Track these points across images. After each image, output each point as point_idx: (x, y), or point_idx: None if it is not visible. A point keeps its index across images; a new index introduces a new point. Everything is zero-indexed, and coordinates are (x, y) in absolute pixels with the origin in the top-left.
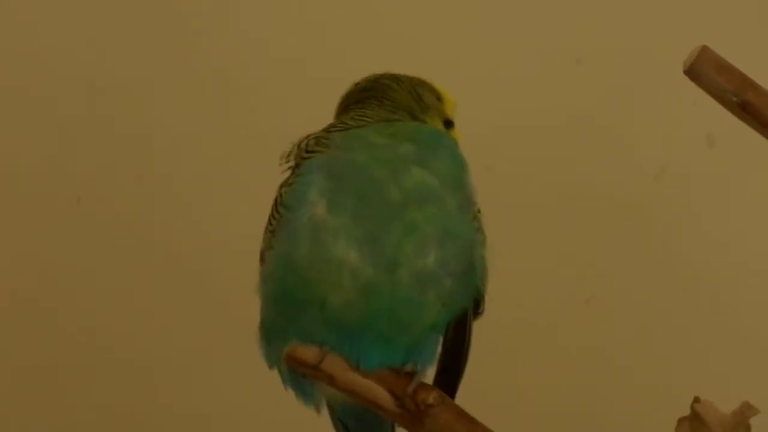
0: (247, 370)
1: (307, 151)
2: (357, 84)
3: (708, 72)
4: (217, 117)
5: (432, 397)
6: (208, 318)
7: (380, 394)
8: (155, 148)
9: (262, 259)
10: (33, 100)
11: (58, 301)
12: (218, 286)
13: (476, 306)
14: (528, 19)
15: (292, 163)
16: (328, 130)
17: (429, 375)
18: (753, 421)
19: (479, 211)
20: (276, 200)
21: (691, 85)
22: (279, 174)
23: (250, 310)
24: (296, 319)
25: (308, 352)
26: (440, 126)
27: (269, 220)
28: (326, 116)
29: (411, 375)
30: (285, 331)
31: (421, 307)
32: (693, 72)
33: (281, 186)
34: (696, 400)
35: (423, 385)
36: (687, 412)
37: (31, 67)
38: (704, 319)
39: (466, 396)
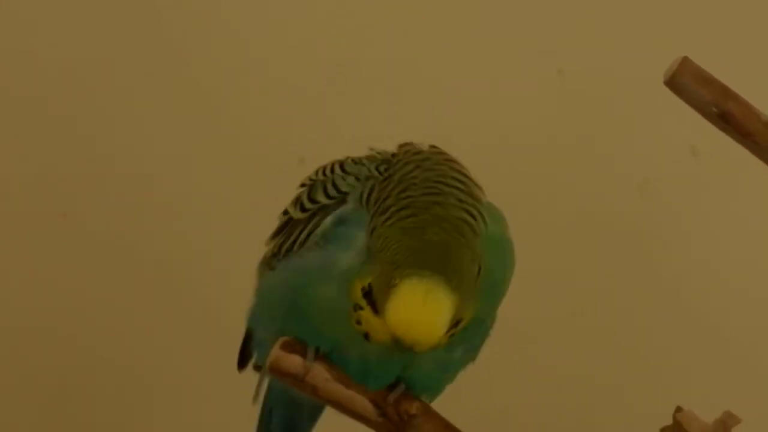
0: (236, 380)
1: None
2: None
3: (688, 83)
4: (206, 128)
5: (415, 407)
6: (197, 330)
7: (363, 404)
8: (143, 162)
9: (270, 265)
10: (17, 113)
11: (45, 316)
12: (207, 299)
13: None
14: (509, 30)
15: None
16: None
17: None
18: (735, 430)
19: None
20: (312, 219)
21: (674, 96)
22: (267, 183)
23: (240, 321)
24: (300, 331)
25: (293, 363)
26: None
27: (298, 228)
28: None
29: (393, 385)
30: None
31: (439, 381)
32: (673, 83)
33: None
34: (678, 409)
35: (405, 395)
36: (670, 422)
37: (14, 78)
38: (689, 329)
39: (449, 407)
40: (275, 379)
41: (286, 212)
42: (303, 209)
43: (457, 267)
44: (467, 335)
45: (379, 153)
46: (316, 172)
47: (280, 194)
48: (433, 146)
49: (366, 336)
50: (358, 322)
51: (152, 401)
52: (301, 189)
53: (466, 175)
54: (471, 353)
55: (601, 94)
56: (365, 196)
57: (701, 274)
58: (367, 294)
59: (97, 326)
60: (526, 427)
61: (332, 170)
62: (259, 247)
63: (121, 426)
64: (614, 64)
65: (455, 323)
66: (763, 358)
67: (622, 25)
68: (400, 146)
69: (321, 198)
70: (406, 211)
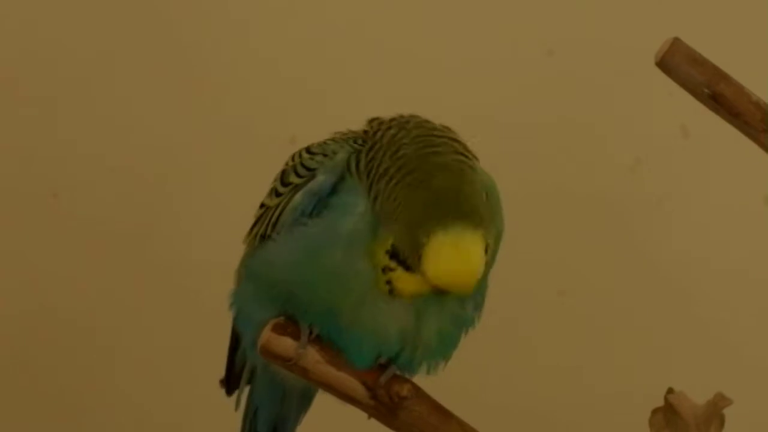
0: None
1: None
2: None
3: (679, 64)
4: (196, 108)
5: (406, 389)
6: (189, 313)
7: (354, 386)
8: (133, 144)
9: (264, 237)
10: (6, 92)
11: (35, 298)
12: (199, 282)
13: None
14: (499, 10)
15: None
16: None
17: None
18: (726, 411)
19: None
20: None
21: (665, 77)
22: (257, 162)
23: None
24: (296, 306)
25: (284, 346)
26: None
27: (271, 211)
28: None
29: (384, 367)
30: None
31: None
32: (664, 64)
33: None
34: (669, 391)
35: (396, 378)
36: (661, 403)
37: (5, 58)
38: (679, 310)
39: (439, 388)
40: (260, 377)
41: (262, 205)
42: (277, 194)
43: (472, 204)
44: (479, 284)
45: (344, 133)
46: (286, 163)
47: (272, 174)
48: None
49: (392, 293)
50: (389, 283)
51: (142, 384)
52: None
53: (448, 128)
54: (478, 310)
55: (591, 75)
56: (353, 166)
57: (691, 254)
58: (394, 255)
59: (87, 308)
60: (514, 406)
61: (300, 155)
62: (250, 224)
63: (111, 414)
64: (605, 45)
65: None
66: (753, 339)
67: (613, 5)
68: (370, 121)
69: (293, 179)
70: (407, 168)
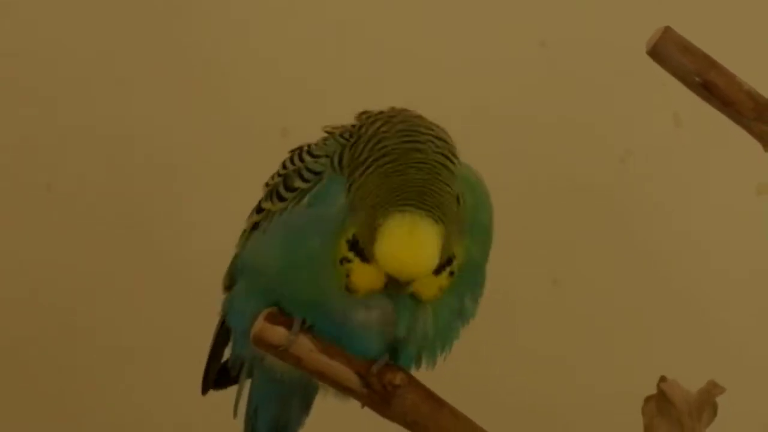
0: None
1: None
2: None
3: (671, 52)
4: (188, 100)
5: (399, 377)
6: (185, 304)
7: (347, 375)
8: (127, 134)
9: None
10: (2, 84)
11: (28, 289)
12: (193, 271)
13: None
14: (491, 2)
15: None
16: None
17: None
18: (719, 400)
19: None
20: (299, 170)
21: (657, 66)
22: (249, 154)
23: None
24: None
25: (277, 334)
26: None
27: (291, 173)
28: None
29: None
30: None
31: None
32: (656, 53)
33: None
34: (662, 379)
35: (389, 366)
36: (653, 391)
37: (1, 51)
38: (672, 299)
39: (432, 377)
40: (257, 377)
41: (261, 210)
42: (281, 199)
43: (437, 201)
44: (469, 278)
45: (335, 128)
46: (284, 166)
47: (263, 165)
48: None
49: (348, 288)
50: (348, 276)
51: (137, 374)
52: (269, 186)
53: (437, 126)
54: (476, 302)
55: (583, 65)
56: (336, 161)
57: (683, 243)
58: (354, 244)
59: (81, 298)
60: (508, 395)
61: (300, 158)
62: (242, 217)
63: (105, 404)
64: (596, 35)
65: (448, 260)
66: (746, 327)
67: None
68: (359, 115)
69: (299, 184)
70: (385, 158)
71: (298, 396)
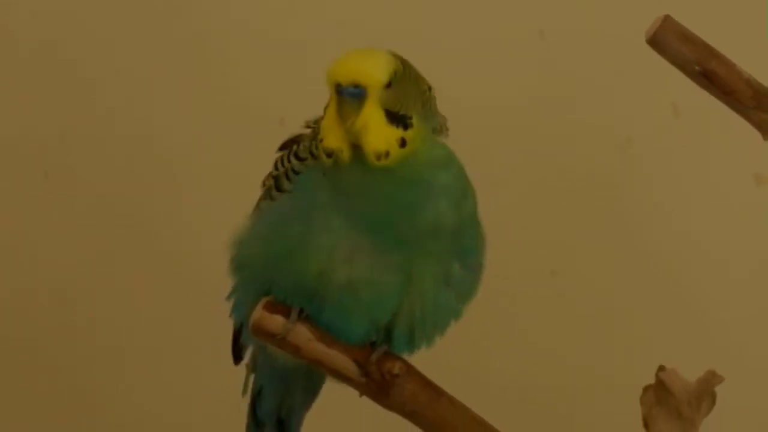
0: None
1: None
2: None
3: (670, 41)
4: (186, 89)
5: (397, 366)
6: (181, 294)
7: (346, 364)
8: (124, 122)
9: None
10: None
11: (25, 277)
12: (192, 262)
13: None
14: None
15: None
16: None
17: None
18: (718, 389)
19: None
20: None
21: (656, 55)
22: (247, 144)
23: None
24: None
25: (274, 323)
26: None
27: (281, 175)
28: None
29: (375, 344)
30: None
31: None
32: (655, 41)
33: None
34: (661, 368)
35: (388, 355)
36: (652, 380)
37: None
38: (670, 289)
39: (430, 366)
40: (261, 365)
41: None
42: (273, 200)
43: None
44: (451, 241)
45: (315, 122)
46: (276, 167)
47: (260, 156)
48: None
49: (329, 155)
50: (321, 141)
51: (132, 365)
52: (266, 186)
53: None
54: (471, 273)
55: (582, 54)
56: (313, 147)
57: (682, 233)
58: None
59: (78, 288)
60: (506, 385)
61: (288, 160)
62: (238, 207)
63: (101, 397)
64: (596, 24)
65: (402, 118)
66: (744, 317)
67: None
68: None
69: (286, 186)
70: None
71: (302, 382)
